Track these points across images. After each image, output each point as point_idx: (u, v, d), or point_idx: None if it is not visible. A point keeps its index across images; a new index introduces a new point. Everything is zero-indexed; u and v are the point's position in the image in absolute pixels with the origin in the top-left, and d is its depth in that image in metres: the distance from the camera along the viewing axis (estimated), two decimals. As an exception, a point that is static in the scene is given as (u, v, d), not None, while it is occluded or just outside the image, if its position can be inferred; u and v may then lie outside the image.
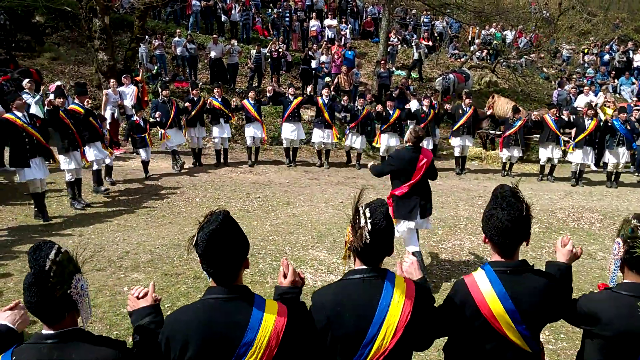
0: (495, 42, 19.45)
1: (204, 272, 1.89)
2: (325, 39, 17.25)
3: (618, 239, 2.25)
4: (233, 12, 17.38)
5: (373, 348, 1.91)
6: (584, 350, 2.29)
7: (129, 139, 10.02)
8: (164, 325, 1.89)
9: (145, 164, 9.77)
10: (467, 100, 11.62)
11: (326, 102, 11.24)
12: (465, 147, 11.83)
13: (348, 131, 11.56)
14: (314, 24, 18.12)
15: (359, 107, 11.42)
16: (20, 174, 6.92)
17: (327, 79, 14.80)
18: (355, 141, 11.52)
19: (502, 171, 11.94)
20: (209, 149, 11.68)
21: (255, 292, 1.93)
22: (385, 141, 11.40)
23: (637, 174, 12.19)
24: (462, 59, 18.53)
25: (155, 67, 14.34)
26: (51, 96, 7.42)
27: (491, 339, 2.12)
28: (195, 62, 15.20)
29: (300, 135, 11.44)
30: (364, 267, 2.02)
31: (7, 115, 6.71)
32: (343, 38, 17.36)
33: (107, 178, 9.06)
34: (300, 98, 11.45)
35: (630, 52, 19.45)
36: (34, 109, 9.32)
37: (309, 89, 13.56)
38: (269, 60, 15.33)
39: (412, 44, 17.74)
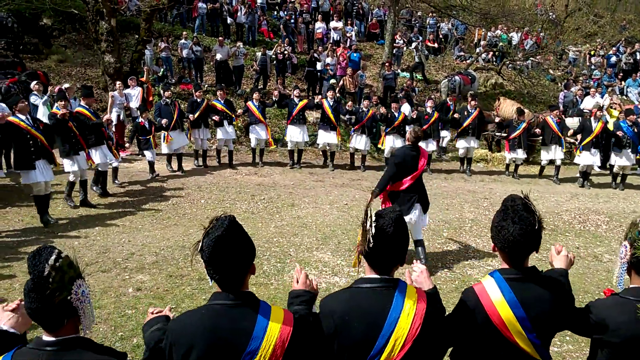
0: (501, 43, 19.38)
1: (208, 277, 1.87)
2: (331, 41, 17.26)
3: (625, 242, 2.22)
4: (239, 14, 17.40)
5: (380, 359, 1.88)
6: (594, 359, 2.27)
7: (134, 141, 10.05)
8: (168, 329, 1.88)
9: (151, 164, 9.84)
10: (472, 102, 11.60)
11: (331, 104, 11.25)
12: (471, 149, 11.80)
13: (353, 132, 11.57)
14: (319, 26, 18.15)
15: (364, 109, 11.42)
16: (25, 176, 6.93)
17: (333, 81, 14.81)
18: (360, 143, 11.53)
19: (505, 172, 11.96)
20: (213, 151, 11.70)
21: (260, 294, 1.93)
22: (390, 143, 11.37)
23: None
24: (468, 61, 18.49)
25: (162, 70, 14.40)
26: (58, 108, 7.42)
27: (501, 347, 2.09)
28: (201, 65, 15.24)
29: (305, 137, 11.45)
30: (375, 275, 1.98)
31: (11, 118, 6.74)
32: (348, 40, 17.37)
33: (115, 181, 9.10)
34: (305, 101, 11.45)
35: (637, 53, 19.32)
36: (42, 110, 9.39)
37: (316, 96, 13.53)
38: (275, 62, 15.36)
39: (412, 47, 17.71)
